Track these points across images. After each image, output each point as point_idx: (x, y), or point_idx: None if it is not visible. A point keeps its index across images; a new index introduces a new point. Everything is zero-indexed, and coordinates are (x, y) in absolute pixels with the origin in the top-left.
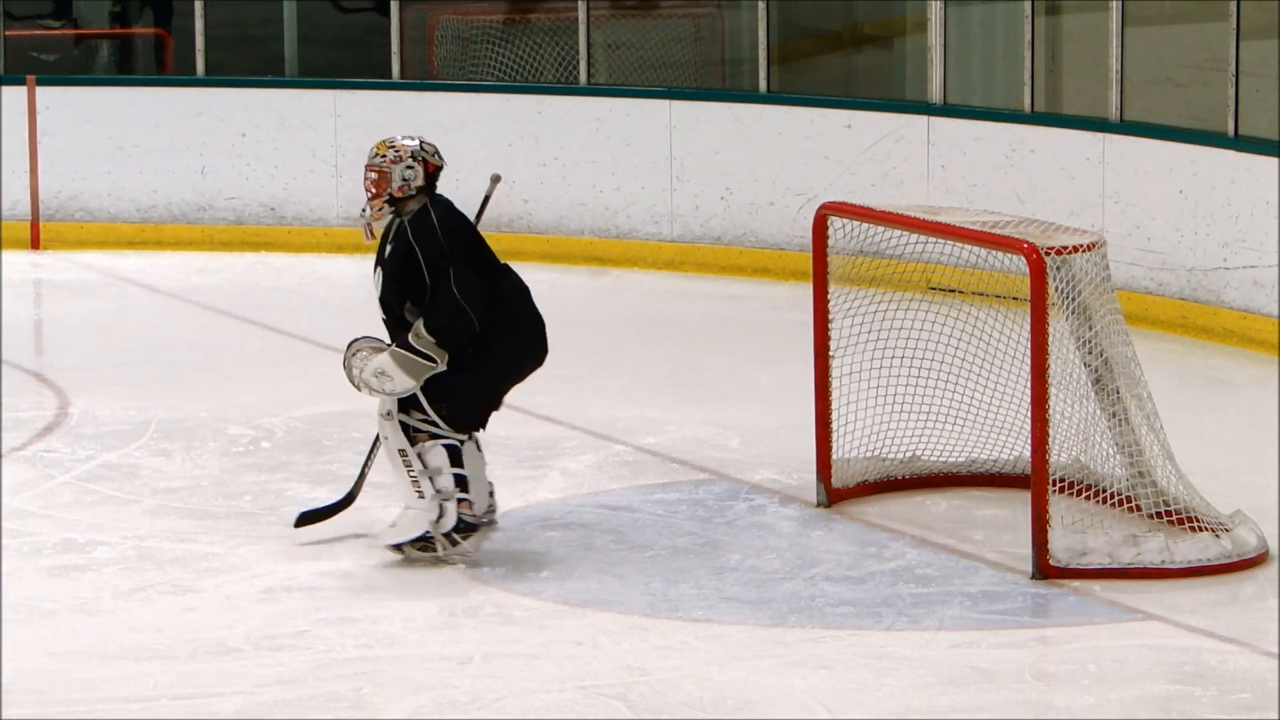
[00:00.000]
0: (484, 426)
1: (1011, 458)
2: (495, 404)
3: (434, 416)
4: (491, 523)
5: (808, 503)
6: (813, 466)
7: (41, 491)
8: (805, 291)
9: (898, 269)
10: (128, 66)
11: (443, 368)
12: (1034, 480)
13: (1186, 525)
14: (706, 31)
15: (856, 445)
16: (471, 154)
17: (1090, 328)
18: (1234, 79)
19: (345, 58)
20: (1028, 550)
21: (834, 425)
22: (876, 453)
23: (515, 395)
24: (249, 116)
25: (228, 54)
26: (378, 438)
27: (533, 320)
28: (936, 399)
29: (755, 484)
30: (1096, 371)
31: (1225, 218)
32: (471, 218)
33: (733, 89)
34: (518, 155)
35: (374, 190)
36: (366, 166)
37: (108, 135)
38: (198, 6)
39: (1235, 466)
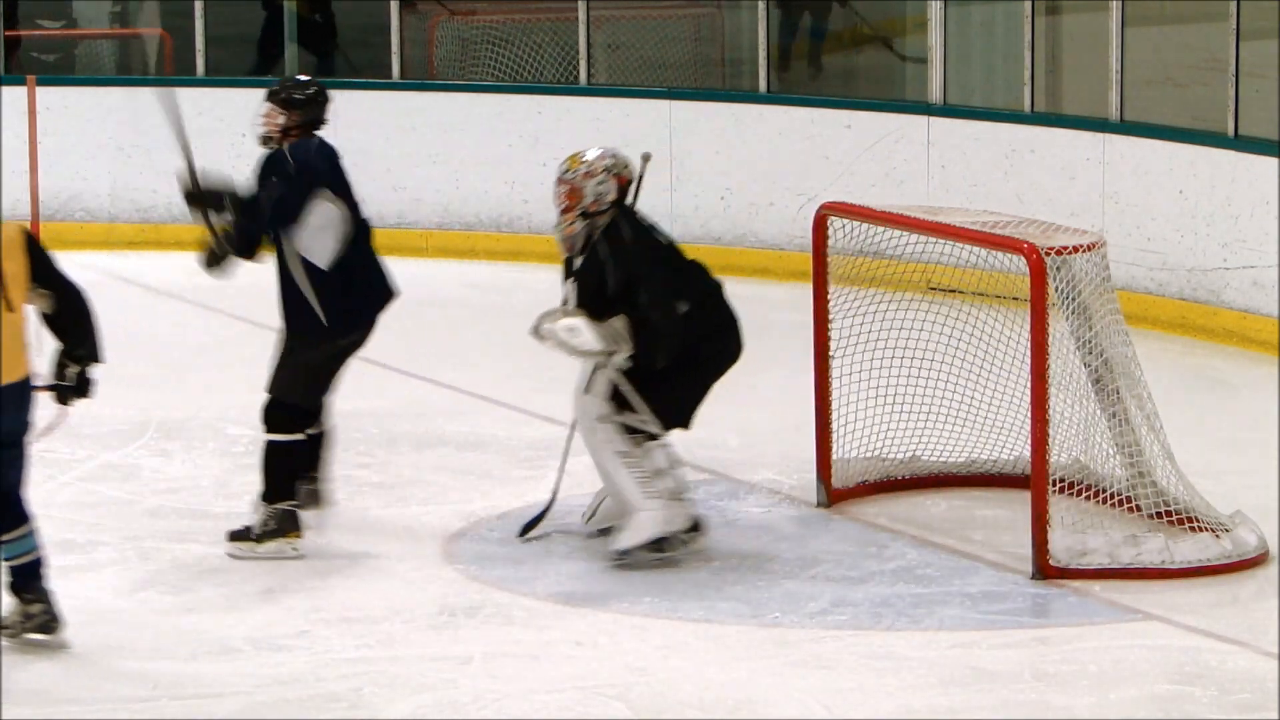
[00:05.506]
0: (689, 425)
1: (1011, 458)
2: (700, 402)
3: (649, 414)
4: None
5: (808, 503)
6: (813, 466)
7: (41, 491)
8: (805, 292)
9: (898, 269)
10: (128, 66)
11: (624, 353)
12: (1034, 480)
13: (1186, 525)
14: (706, 31)
15: (856, 445)
16: (471, 154)
17: (1090, 328)
18: (1234, 79)
19: (345, 58)
20: (1028, 550)
21: (834, 425)
22: (876, 453)
23: (515, 395)
24: (249, 116)
25: (228, 54)
26: (570, 434)
27: (729, 318)
28: (936, 399)
29: (755, 484)
30: (1096, 371)
31: (1225, 218)
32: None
33: (733, 89)
34: (518, 155)
35: (567, 204)
36: (558, 180)
37: (108, 135)
38: (198, 6)
39: (1235, 466)
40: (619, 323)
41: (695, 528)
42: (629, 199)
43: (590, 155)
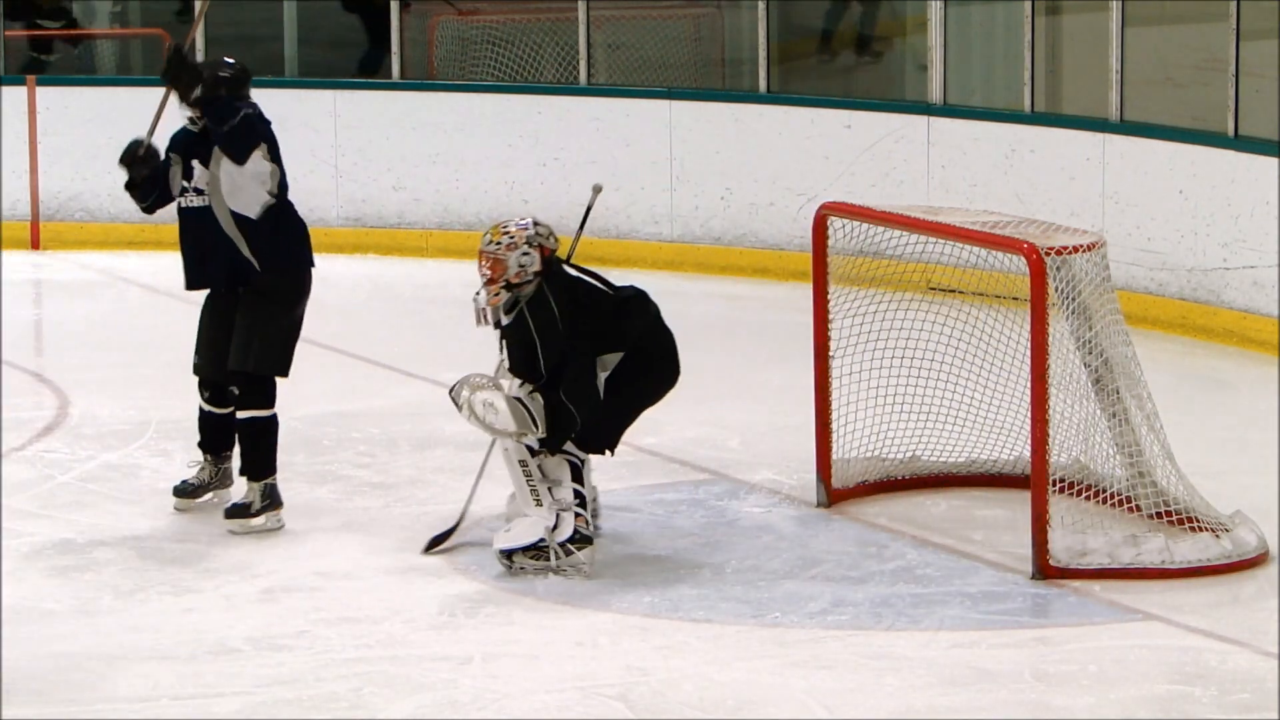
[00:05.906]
0: (614, 449)
1: (1011, 458)
2: (626, 427)
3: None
4: (595, 529)
5: (808, 503)
6: (813, 466)
7: (41, 491)
8: (805, 291)
9: (898, 269)
10: (128, 66)
11: (532, 438)
12: (1034, 480)
13: (1186, 525)
14: (706, 31)
15: (856, 445)
16: (471, 154)
17: (1090, 328)
18: (1234, 79)
19: (345, 58)
20: (1028, 550)
21: (834, 425)
22: (876, 453)
23: None
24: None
25: (227, 54)
26: (488, 453)
27: (666, 346)
28: (936, 399)
29: (755, 484)
30: (1096, 371)
31: (1225, 218)
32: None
33: (733, 89)
34: (518, 155)
35: (490, 275)
36: (481, 253)
37: (108, 135)
38: (198, 6)
39: (1235, 466)
40: (536, 405)
41: (582, 541)
42: (574, 236)
43: (513, 227)
